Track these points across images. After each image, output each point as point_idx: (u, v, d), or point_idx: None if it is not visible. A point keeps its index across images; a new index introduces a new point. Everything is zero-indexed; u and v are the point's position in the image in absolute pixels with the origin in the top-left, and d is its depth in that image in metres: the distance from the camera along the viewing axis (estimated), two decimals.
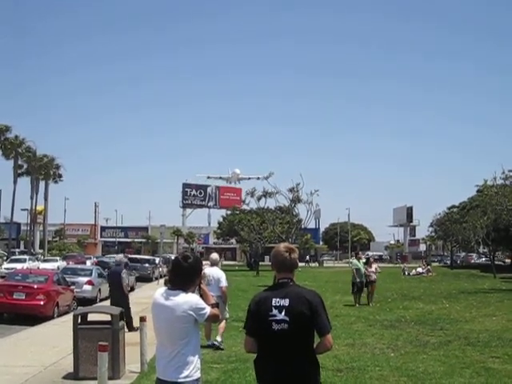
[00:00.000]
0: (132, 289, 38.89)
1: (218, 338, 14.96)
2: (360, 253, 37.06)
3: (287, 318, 5.04)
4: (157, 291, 5.67)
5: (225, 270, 15.64)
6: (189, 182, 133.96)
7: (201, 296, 5.68)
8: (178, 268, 5.54)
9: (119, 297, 18.25)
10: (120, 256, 20.99)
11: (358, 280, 27.04)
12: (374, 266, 28.74)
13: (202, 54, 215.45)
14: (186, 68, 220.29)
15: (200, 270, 5.71)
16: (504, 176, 38.87)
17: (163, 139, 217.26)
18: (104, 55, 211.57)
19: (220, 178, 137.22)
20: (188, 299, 5.38)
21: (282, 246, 5.46)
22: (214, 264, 15.46)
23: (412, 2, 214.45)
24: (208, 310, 5.47)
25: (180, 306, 5.33)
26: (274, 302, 5.12)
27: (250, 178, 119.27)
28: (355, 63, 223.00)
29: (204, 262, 16.44)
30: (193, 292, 5.57)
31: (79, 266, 34.59)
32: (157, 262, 54.89)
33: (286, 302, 5.08)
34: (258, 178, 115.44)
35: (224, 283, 14.98)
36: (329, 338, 5.16)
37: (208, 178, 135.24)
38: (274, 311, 5.09)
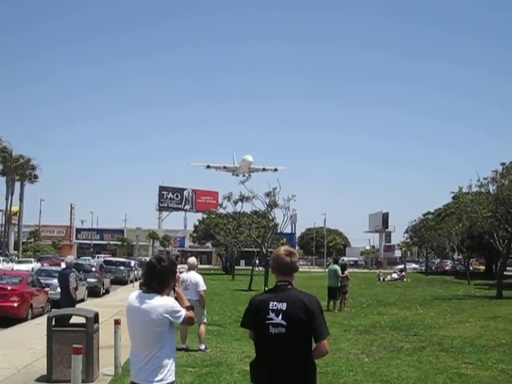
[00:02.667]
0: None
1: (202, 346, 14.92)
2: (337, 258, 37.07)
3: (284, 322, 5.03)
4: (131, 294, 5.66)
5: (200, 274, 15.58)
6: (165, 185, 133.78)
7: (176, 299, 5.67)
8: (153, 271, 5.51)
9: (67, 300, 17.99)
10: (70, 258, 20.32)
11: (338, 285, 27.05)
12: (346, 272, 28.80)
13: (169, 56, 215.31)
14: (161, 70, 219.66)
15: (175, 273, 5.67)
16: (479, 184, 39.14)
17: (140, 142, 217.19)
18: (77, 60, 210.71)
19: (224, 167, 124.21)
20: (163, 302, 5.37)
21: (283, 249, 5.42)
22: (191, 268, 15.41)
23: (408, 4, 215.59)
24: (183, 312, 5.45)
25: (155, 309, 5.31)
26: (271, 305, 5.11)
27: (265, 169, 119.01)
28: (336, 63, 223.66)
29: (180, 266, 16.37)
30: (168, 295, 5.57)
31: (54, 268, 34.31)
32: (132, 264, 54.69)
33: (283, 306, 5.06)
34: (276, 170, 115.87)
35: (202, 287, 14.94)
36: (324, 344, 5.13)
37: (208, 167, 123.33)
38: (271, 314, 5.08)
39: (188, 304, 5.68)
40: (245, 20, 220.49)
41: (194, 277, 15.04)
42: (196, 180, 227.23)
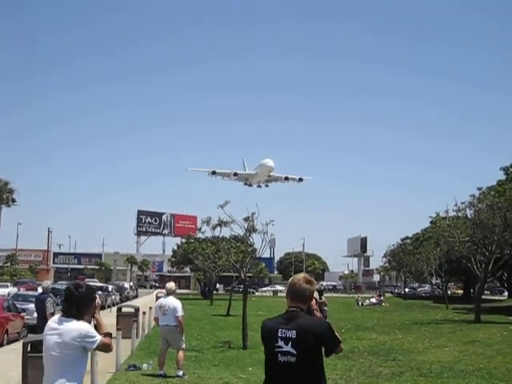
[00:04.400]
0: None
1: (180, 373, 14.75)
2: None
3: (294, 351, 4.92)
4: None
5: (179, 299, 15.48)
6: (143, 209, 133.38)
7: (95, 326, 5.73)
8: (71, 297, 5.60)
9: (44, 325, 17.78)
10: (47, 283, 20.15)
11: None
12: (323, 298, 28.74)
13: (143, 81, 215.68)
14: (134, 95, 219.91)
15: (93, 299, 5.74)
16: (456, 208, 39.39)
17: (118, 166, 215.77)
18: (52, 89, 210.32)
19: (234, 174, 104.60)
20: (78, 327, 5.44)
21: (302, 276, 5.32)
22: (169, 293, 15.29)
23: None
24: (98, 338, 5.51)
25: (69, 333, 5.40)
26: (280, 332, 5.00)
27: (287, 178, 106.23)
28: (308, 80, 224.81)
29: (159, 291, 16.41)
30: (89, 322, 5.65)
31: (30, 293, 33.94)
32: (110, 289, 54.22)
33: (292, 334, 4.95)
34: (301, 180, 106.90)
35: (180, 313, 14.83)
36: (341, 346, 5.13)
37: (213, 173, 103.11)
38: (280, 342, 4.97)
39: (107, 331, 5.74)
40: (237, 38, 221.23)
41: (172, 302, 14.93)
42: (175, 204, 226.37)
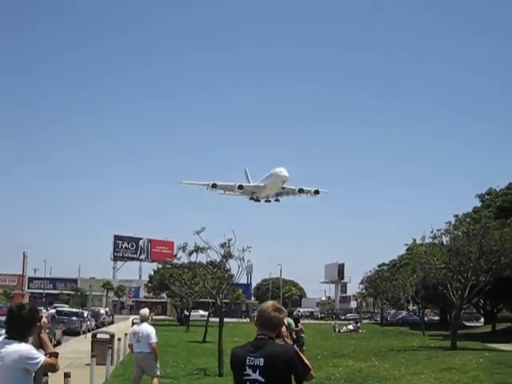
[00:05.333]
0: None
1: None
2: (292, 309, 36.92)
3: (262, 379, 4.94)
4: None
5: (155, 325, 15.39)
6: (120, 234, 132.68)
7: (40, 346, 5.69)
8: (13, 318, 5.58)
9: None
10: None
11: (294, 337, 26.82)
12: (300, 325, 28.60)
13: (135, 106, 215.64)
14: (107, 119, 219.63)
15: (36, 320, 5.69)
16: (433, 235, 39.64)
17: (93, 191, 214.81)
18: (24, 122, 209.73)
19: (239, 187, 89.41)
20: (19, 348, 5.39)
21: (271, 304, 5.36)
22: (143, 320, 15.18)
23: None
24: (42, 359, 5.46)
25: (10, 356, 5.34)
26: (248, 360, 5.02)
27: (302, 190, 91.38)
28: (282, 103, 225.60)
29: (134, 317, 16.33)
30: (34, 343, 5.62)
31: (4, 319, 33.55)
32: (85, 315, 53.72)
33: (260, 362, 4.97)
34: (317, 192, 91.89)
35: (154, 339, 14.71)
36: (311, 373, 5.13)
37: (213, 186, 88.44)
38: (248, 370, 5.00)
39: (53, 350, 5.71)
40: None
41: (146, 329, 14.82)
42: (151, 229, 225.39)
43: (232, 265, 25.69)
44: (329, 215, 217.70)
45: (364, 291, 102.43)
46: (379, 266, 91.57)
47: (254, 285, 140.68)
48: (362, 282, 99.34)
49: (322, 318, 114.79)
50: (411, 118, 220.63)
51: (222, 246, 24.27)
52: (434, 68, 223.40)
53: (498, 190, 54.68)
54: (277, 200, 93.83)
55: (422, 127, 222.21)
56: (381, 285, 76.81)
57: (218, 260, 26.09)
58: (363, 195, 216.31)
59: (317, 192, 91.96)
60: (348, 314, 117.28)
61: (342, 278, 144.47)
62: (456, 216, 39.99)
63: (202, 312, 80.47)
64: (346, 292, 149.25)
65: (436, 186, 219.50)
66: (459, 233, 37.91)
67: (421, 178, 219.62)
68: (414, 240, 47.22)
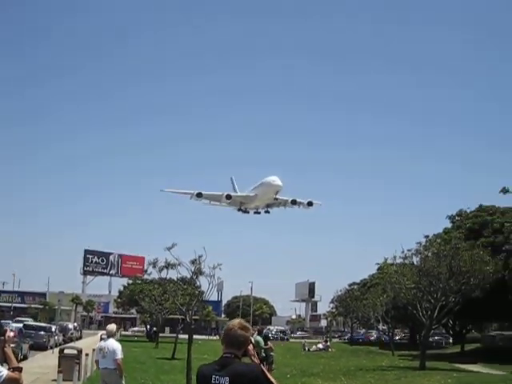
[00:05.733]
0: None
1: None
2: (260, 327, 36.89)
3: None
4: None
5: (123, 341, 15.27)
6: (90, 248, 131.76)
7: (4, 360, 5.63)
8: None
9: None
10: None
11: (263, 355, 26.72)
12: (269, 343, 28.52)
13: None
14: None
15: (1, 334, 5.64)
16: (403, 255, 39.88)
17: (64, 206, 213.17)
18: None
19: (227, 197, 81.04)
20: None
21: (237, 322, 5.31)
22: (110, 335, 15.02)
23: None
24: (4, 373, 5.38)
25: None
26: (213, 379, 4.97)
27: (295, 202, 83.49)
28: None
29: (103, 332, 16.03)
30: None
31: None
32: (53, 329, 53.10)
33: (225, 381, 4.93)
34: (310, 204, 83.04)
35: (119, 355, 14.54)
36: None
37: (198, 196, 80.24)
38: None
39: (16, 365, 5.64)
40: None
41: (112, 344, 14.65)
42: (123, 244, 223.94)
43: (202, 281, 25.54)
44: (300, 233, 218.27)
45: (334, 310, 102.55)
46: (350, 285, 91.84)
47: (224, 302, 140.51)
48: (332, 301, 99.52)
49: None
50: (385, 136, 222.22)
51: (193, 262, 24.16)
52: (406, 87, 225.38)
53: (468, 211, 55.25)
54: (267, 212, 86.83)
55: (396, 147, 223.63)
56: (351, 304, 77.01)
57: (189, 276, 25.93)
58: (335, 214, 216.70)
59: (310, 204, 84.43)
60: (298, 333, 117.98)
61: (313, 297, 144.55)
62: (426, 237, 40.32)
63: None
64: (316, 311, 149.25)
65: (408, 206, 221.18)
66: (429, 253, 38.21)
67: (393, 198, 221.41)
68: (385, 260, 47.42)
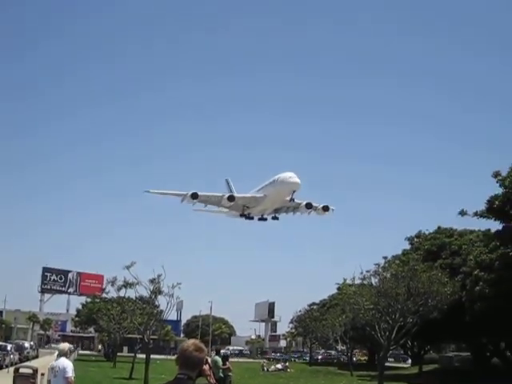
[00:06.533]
0: None
1: None
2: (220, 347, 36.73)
3: None
4: None
5: (80, 360, 15.11)
6: (49, 266, 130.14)
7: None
8: None
9: None
10: None
11: (220, 375, 26.59)
12: (228, 363, 28.38)
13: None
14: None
15: None
16: (362, 276, 40.15)
17: (22, 221, 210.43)
18: None
19: (230, 198, 66.87)
20: None
21: (192, 342, 5.29)
22: (62, 354, 14.81)
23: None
24: None
25: None
26: None
27: (310, 206, 67.54)
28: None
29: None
30: None
31: None
32: (8, 348, 52.21)
33: None
34: (326, 210, 66.44)
35: (70, 374, 14.33)
36: None
37: (193, 197, 65.56)
38: None
39: None
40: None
41: (63, 363, 14.43)
42: (81, 262, 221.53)
43: (161, 301, 25.44)
44: (260, 253, 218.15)
45: (293, 330, 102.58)
46: (310, 305, 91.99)
47: (183, 321, 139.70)
48: (291, 322, 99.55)
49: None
50: (352, 154, 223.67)
51: (152, 281, 24.05)
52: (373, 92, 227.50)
53: (426, 233, 55.90)
54: (275, 218, 72.38)
55: (358, 167, 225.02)
56: (310, 324, 77.12)
57: (148, 295, 25.83)
58: (294, 234, 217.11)
59: (326, 209, 69.03)
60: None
61: (273, 317, 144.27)
62: (385, 258, 40.71)
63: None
64: (275, 331, 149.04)
65: (367, 227, 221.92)
66: (388, 275, 38.52)
67: (353, 218, 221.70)
68: (345, 280, 47.65)
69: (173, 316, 62.05)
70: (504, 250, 42.30)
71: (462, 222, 59.56)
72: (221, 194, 67.94)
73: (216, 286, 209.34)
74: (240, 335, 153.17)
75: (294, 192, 64.54)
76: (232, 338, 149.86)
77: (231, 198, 67.17)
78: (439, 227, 55.40)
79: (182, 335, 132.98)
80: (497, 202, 41.98)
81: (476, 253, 45.14)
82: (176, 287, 26.17)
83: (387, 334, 38.54)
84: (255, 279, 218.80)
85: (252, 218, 72.28)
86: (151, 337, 30.03)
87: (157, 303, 28.92)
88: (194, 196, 65.85)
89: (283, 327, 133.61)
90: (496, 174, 42.73)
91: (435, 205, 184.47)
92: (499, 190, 42.64)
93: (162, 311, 30.58)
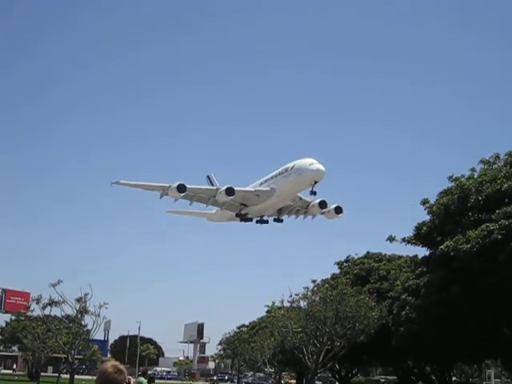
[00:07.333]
0: None
1: None
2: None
3: None
4: None
5: (2, 380, 14.70)
6: None
7: None
8: None
9: None
10: None
11: None
12: None
13: None
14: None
15: None
16: (291, 299, 40.35)
17: None
18: None
19: (228, 191, 50.55)
20: None
21: (110, 364, 5.25)
22: None
23: None
24: None
25: None
26: None
27: (325, 205, 52.45)
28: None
29: None
30: None
31: None
32: None
33: None
34: (339, 212, 52.81)
35: None
36: None
37: (179, 190, 49.86)
38: None
39: None
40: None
41: None
42: (6, 278, 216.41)
43: (89, 320, 25.08)
44: (189, 274, 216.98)
45: (222, 352, 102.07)
46: (239, 327, 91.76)
47: (111, 341, 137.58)
48: (220, 343, 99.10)
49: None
50: None
51: (78, 300, 23.67)
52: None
53: (355, 257, 56.47)
54: (278, 220, 56.55)
55: None
56: (239, 346, 76.85)
57: (74, 314, 25.43)
58: (225, 253, 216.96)
59: (339, 210, 53.73)
60: None
61: (201, 338, 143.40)
62: (314, 281, 41.02)
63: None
64: (204, 352, 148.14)
65: (298, 250, 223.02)
66: (317, 298, 38.83)
67: (284, 241, 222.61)
68: (274, 303, 47.76)
69: (100, 336, 61.15)
70: (430, 276, 43.11)
71: (391, 247, 60.33)
72: (214, 187, 53.96)
73: (145, 306, 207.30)
74: (168, 356, 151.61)
75: (315, 183, 49.18)
76: (160, 358, 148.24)
77: (230, 191, 51.34)
78: (368, 252, 56.09)
79: (108, 355, 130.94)
80: (424, 229, 42.85)
81: (403, 278, 45.85)
82: (103, 307, 25.89)
83: (315, 357, 38.77)
84: (185, 299, 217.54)
85: (250, 220, 57.44)
86: (77, 357, 29.50)
87: (83, 322, 28.56)
88: (181, 189, 50.38)
89: (212, 348, 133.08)
90: (424, 202, 43.68)
91: (365, 230, 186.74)
92: (427, 217, 43.59)
93: (88, 331, 30.16)
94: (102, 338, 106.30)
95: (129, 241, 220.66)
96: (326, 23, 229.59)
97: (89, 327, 30.46)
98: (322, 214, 54.18)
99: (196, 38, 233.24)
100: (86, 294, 23.83)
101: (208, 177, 61.36)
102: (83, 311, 23.85)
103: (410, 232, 43.19)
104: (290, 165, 50.72)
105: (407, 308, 42.56)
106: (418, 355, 46.27)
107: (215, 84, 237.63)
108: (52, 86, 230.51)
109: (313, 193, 49.65)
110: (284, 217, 56.14)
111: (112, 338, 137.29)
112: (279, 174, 51.87)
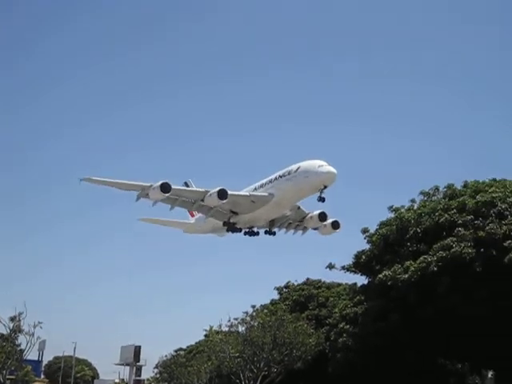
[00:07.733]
0: None
1: None
2: None
3: None
4: None
5: None
6: None
7: None
8: None
9: None
10: None
11: None
12: None
13: None
14: None
15: None
16: (230, 324, 40.34)
17: None
18: None
19: (220, 194, 42.32)
20: None
21: None
22: None
23: None
24: None
25: None
26: None
27: (325, 217, 46.59)
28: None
29: None
30: None
31: None
32: None
33: None
34: (336, 227, 46.80)
35: None
36: None
37: (163, 190, 41.29)
38: None
39: None
40: None
41: None
42: None
43: (22, 340, 24.62)
44: (127, 295, 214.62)
45: (158, 376, 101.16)
46: (176, 350, 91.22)
47: (45, 362, 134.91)
48: (156, 366, 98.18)
49: None
50: None
51: (12, 319, 23.18)
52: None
53: (295, 284, 56.71)
54: (270, 233, 50.06)
55: None
56: (176, 370, 76.31)
57: (6, 333, 24.89)
58: (164, 277, 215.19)
59: (336, 226, 47.82)
60: None
61: (138, 361, 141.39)
62: (253, 307, 41.11)
63: None
64: (140, 375, 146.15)
65: (238, 276, 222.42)
66: (255, 323, 38.90)
67: (230, 263, 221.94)
68: (211, 327, 47.61)
69: (34, 356, 59.77)
70: (368, 304, 43.57)
71: (331, 274, 60.61)
72: (203, 189, 45.52)
73: (81, 325, 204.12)
74: (104, 378, 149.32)
75: (324, 188, 42.54)
76: (95, 380, 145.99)
77: (222, 194, 43.77)
78: (308, 279, 56.38)
79: (42, 376, 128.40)
80: (363, 257, 43.37)
81: (341, 306, 46.20)
82: (37, 326, 25.37)
83: (252, 382, 38.73)
84: (122, 321, 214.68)
85: (240, 230, 50.55)
86: (9, 377, 28.76)
87: (17, 342, 27.88)
88: (166, 188, 42.89)
89: (148, 371, 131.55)
90: (364, 230, 44.22)
91: (305, 257, 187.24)
92: (366, 246, 44.11)
93: (22, 350, 29.48)
94: (36, 358, 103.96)
95: (66, 255, 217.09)
96: (326, 23, 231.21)
97: (22, 347, 29.84)
98: (315, 229, 48.81)
99: (196, 38, 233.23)
100: (20, 313, 23.36)
101: (185, 183, 52.90)
102: (17, 330, 23.31)
103: (349, 260, 43.61)
104: (293, 167, 44.09)
105: (344, 335, 42.91)
106: (354, 383, 46.57)
107: (215, 84, 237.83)
108: (52, 86, 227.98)
109: (321, 199, 43.25)
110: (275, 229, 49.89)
111: (46, 359, 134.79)
112: (280, 176, 45.32)
